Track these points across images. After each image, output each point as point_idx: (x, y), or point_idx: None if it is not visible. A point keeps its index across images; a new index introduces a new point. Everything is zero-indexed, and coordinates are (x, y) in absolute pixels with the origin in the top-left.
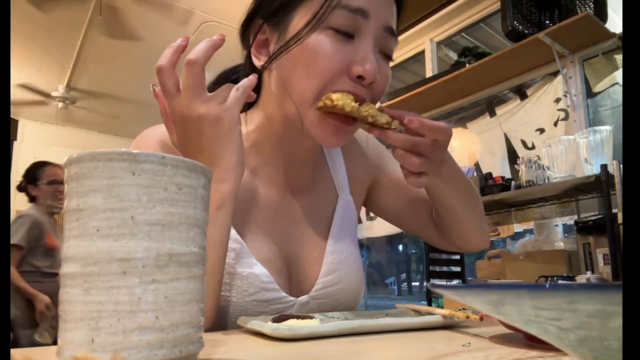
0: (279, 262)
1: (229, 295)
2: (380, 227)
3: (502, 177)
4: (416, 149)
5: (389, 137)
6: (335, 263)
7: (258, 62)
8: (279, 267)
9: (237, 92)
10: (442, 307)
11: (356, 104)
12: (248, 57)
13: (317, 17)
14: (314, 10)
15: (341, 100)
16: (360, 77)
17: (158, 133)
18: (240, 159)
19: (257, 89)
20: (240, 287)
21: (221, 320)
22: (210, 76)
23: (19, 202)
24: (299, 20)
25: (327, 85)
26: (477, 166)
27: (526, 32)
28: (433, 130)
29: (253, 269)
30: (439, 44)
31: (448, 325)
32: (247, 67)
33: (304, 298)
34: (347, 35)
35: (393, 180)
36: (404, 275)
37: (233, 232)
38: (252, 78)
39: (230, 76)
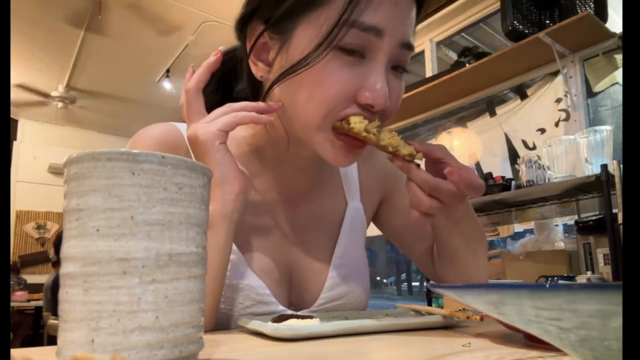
0: (278, 271)
1: (223, 308)
2: None
3: (503, 177)
4: (435, 192)
5: (410, 172)
6: (341, 277)
7: (256, 71)
8: (278, 277)
9: (227, 109)
10: (442, 307)
11: (373, 129)
12: (246, 60)
13: (327, 40)
14: (322, 28)
15: (358, 125)
16: (368, 104)
17: (155, 132)
18: (226, 175)
19: (259, 90)
20: (236, 300)
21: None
22: None
23: (18, 202)
24: (303, 34)
25: (332, 111)
26: (477, 166)
27: (526, 31)
28: (469, 187)
29: (249, 281)
30: (439, 44)
31: (448, 325)
32: (245, 72)
33: (304, 312)
34: (357, 55)
35: (406, 203)
36: (404, 275)
37: None
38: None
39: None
